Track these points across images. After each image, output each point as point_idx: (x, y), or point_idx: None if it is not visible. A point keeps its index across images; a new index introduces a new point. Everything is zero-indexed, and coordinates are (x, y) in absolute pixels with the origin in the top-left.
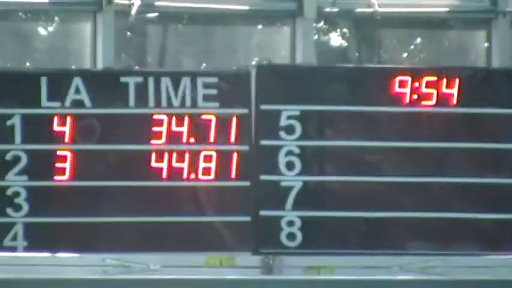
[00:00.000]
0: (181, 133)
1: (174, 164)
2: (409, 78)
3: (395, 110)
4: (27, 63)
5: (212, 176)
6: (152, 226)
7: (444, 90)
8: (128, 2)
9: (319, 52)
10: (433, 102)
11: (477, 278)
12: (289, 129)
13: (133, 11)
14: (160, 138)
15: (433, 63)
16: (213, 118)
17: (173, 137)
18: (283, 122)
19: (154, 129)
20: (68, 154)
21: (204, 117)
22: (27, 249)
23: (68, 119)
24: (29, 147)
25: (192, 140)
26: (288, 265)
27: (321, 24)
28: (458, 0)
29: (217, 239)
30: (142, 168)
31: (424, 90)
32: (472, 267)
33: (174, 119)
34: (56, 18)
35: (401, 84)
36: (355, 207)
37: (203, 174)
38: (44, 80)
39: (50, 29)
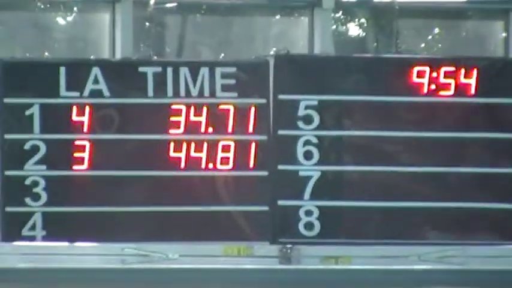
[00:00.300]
0: (199, 123)
1: (192, 153)
2: (427, 68)
3: (413, 100)
4: (46, 53)
5: (230, 165)
6: (170, 216)
7: (462, 80)
8: None
9: (337, 42)
10: (451, 92)
11: (495, 267)
12: (307, 119)
13: (152, 1)
14: (178, 128)
15: (451, 54)
16: (231, 108)
17: (191, 127)
18: (301, 111)
19: (173, 119)
20: (87, 144)
21: (222, 107)
22: (45, 238)
23: (87, 109)
24: (47, 136)
25: (210, 129)
26: (306, 255)
27: (339, 14)
28: None
29: (235, 228)
30: (161, 158)
31: (442, 80)
32: (490, 256)
33: (192, 109)
34: (75, 8)
35: (419, 74)
36: (372, 197)
37: (221, 164)
38: (62, 70)
39: (69, 19)
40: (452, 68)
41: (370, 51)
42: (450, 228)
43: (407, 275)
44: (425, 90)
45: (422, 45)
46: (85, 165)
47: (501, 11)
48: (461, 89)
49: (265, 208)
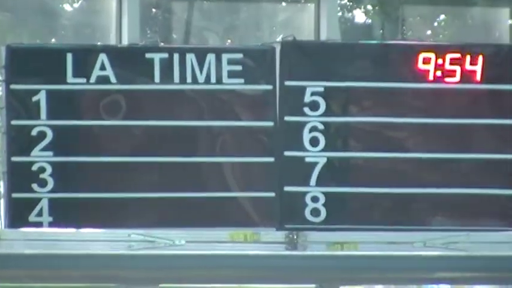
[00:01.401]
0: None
1: (201, 140)
2: (432, 55)
3: (419, 86)
4: (53, 40)
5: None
6: (177, 202)
7: (468, 67)
8: None
9: (344, 29)
10: (457, 79)
11: (500, 253)
12: (314, 106)
13: None
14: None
15: (457, 40)
16: (237, 94)
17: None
18: (308, 98)
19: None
20: (93, 130)
21: (228, 93)
22: (52, 224)
23: (94, 95)
24: (54, 123)
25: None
26: (312, 240)
27: (345, 1)
28: None
29: (241, 214)
30: (168, 144)
31: (447, 67)
32: (495, 242)
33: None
34: None
35: (425, 61)
36: (378, 184)
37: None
38: (69, 56)
39: (76, 5)
40: (457, 55)
41: (376, 38)
42: (455, 214)
43: (413, 261)
44: (431, 76)
45: (428, 32)
46: (92, 152)
47: None
48: (466, 76)
49: (272, 194)
